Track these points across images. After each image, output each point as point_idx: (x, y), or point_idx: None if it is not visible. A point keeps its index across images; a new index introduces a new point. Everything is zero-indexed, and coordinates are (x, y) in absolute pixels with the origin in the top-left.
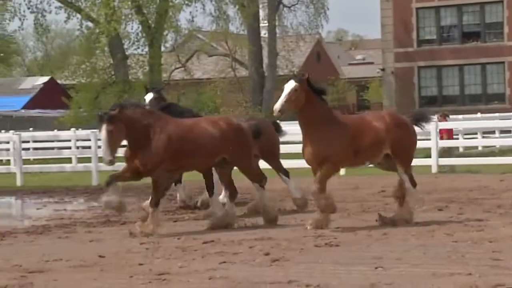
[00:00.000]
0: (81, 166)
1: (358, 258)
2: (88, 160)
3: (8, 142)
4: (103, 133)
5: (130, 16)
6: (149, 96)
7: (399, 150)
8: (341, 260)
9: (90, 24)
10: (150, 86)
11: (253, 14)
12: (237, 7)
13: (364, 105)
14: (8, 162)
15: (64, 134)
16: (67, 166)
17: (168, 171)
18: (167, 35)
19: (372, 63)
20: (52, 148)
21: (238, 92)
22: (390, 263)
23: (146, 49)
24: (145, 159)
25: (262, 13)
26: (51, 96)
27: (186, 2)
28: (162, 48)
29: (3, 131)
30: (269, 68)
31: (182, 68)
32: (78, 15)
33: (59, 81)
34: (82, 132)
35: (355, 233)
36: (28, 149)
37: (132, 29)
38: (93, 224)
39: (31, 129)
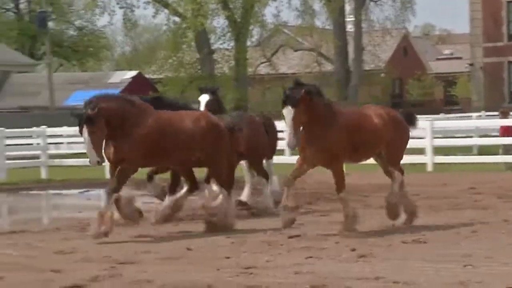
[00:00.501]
0: None
1: (446, 255)
2: None
3: None
4: (85, 135)
5: (216, 11)
6: (204, 98)
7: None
8: (429, 258)
9: (177, 19)
10: (204, 87)
11: (339, 9)
12: (323, 1)
13: (452, 100)
14: None
15: None
16: None
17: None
18: (252, 30)
19: (460, 58)
20: None
21: (323, 87)
22: (480, 261)
23: (232, 43)
24: (121, 151)
25: (348, 8)
26: (139, 90)
27: None
28: (248, 43)
29: None
30: (355, 63)
31: (268, 63)
32: (166, 10)
33: (146, 76)
34: None
35: (443, 230)
36: None
37: (218, 24)
38: (181, 218)
39: None
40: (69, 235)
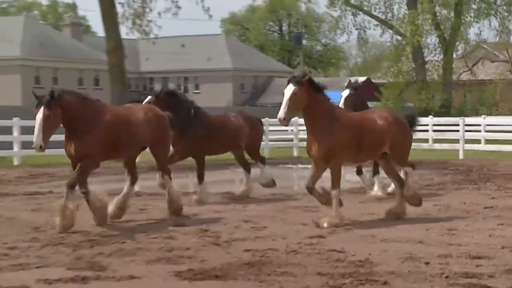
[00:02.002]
0: None
1: None
2: None
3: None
4: (39, 116)
5: (430, 31)
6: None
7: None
8: None
9: (399, 37)
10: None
11: None
12: None
13: None
14: None
15: None
16: None
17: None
18: (458, 45)
19: None
20: None
21: None
22: None
23: (441, 56)
24: (80, 147)
25: None
26: (368, 91)
27: (476, 19)
28: (454, 55)
29: None
30: None
31: (469, 71)
32: (390, 31)
33: (373, 80)
34: None
35: None
36: None
37: (431, 40)
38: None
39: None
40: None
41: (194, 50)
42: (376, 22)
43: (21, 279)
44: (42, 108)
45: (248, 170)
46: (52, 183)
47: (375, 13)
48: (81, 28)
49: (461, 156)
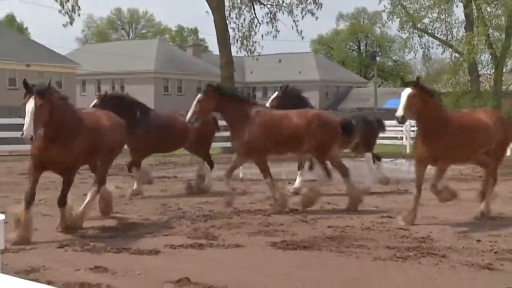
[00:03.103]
0: None
1: None
2: None
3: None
4: (30, 105)
5: (483, 49)
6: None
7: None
8: None
9: (457, 55)
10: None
11: None
12: None
13: None
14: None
15: None
16: None
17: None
18: (507, 61)
19: None
20: None
21: None
22: None
23: (493, 70)
24: (66, 155)
25: None
26: None
27: None
28: (503, 70)
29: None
30: None
31: None
32: (450, 49)
33: None
34: None
35: None
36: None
37: (484, 57)
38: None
39: None
40: None
41: (288, 65)
42: (438, 42)
43: (152, 243)
44: (33, 97)
45: (210, 166)
46: (176, 170)
47: (438, 35)
48: (200, 48)
49: (508, 153)
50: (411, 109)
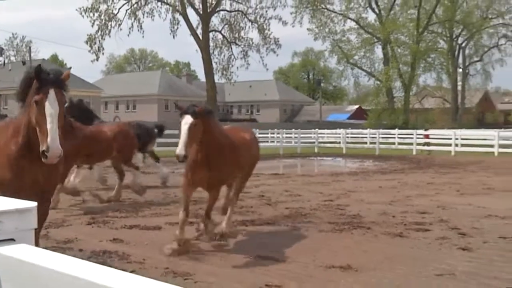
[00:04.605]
0: None
1: None
2: None
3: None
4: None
5: (396, 78)
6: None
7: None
8: None
9: (378, 82)
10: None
11: None
12: None
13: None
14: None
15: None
16: None
17: None
18: (413, 87)
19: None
20: None
21: None
22: None
23: (403, 93)
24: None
25: None
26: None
27: (422, 72)
28: (410, 93)
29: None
30: None
31: (419, 103)
32: (373, 78)
33: (363, 107)
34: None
35: None
36: None
37: (396, 84)
38: None
39: None
40: None
41: (257, 89)
42: (364, 73)
43: (156, 221)
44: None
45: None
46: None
47: (364, 68)
48: (192, 77)
49: (414, 153)
50: (193, 141)
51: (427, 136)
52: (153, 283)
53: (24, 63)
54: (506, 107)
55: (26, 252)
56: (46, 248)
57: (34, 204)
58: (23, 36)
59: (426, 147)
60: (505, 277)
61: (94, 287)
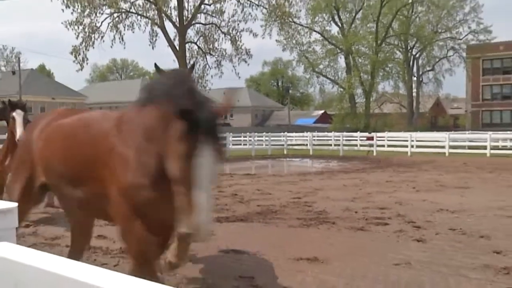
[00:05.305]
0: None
1: None
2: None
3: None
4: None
5: (358, 86)
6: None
7: None
8: None
9: (341, 89)
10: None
11: None
12: None
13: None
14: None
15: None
16: None
17: None
18: (373, 94)
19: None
20: None
21: None
22: None
23: (364, 99)
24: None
25: None
26: (324, 119)
27: (381, 80)
28: (371, 99)
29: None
30: None
31: (379, 108)
32: (337, 85)
33: (328, 112)
34: None
35: None
36: None
37: (358, 91)
38: None
39: None
40: None
41: (230, 96)
42: (329, 81)
43: None
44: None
45: None
46: None
47: (329, 76)
48: None
49: (374, 154)
50: None
51: (371, 139)
52: (133, 280)
53: (13, 72)
54: (455, 112)
55: (8, 250)
56: (35, 244)
57: (15, 204)
58: (12, 48)
59: (370, 148)
60: (454, 264)
61: (76, 284)
